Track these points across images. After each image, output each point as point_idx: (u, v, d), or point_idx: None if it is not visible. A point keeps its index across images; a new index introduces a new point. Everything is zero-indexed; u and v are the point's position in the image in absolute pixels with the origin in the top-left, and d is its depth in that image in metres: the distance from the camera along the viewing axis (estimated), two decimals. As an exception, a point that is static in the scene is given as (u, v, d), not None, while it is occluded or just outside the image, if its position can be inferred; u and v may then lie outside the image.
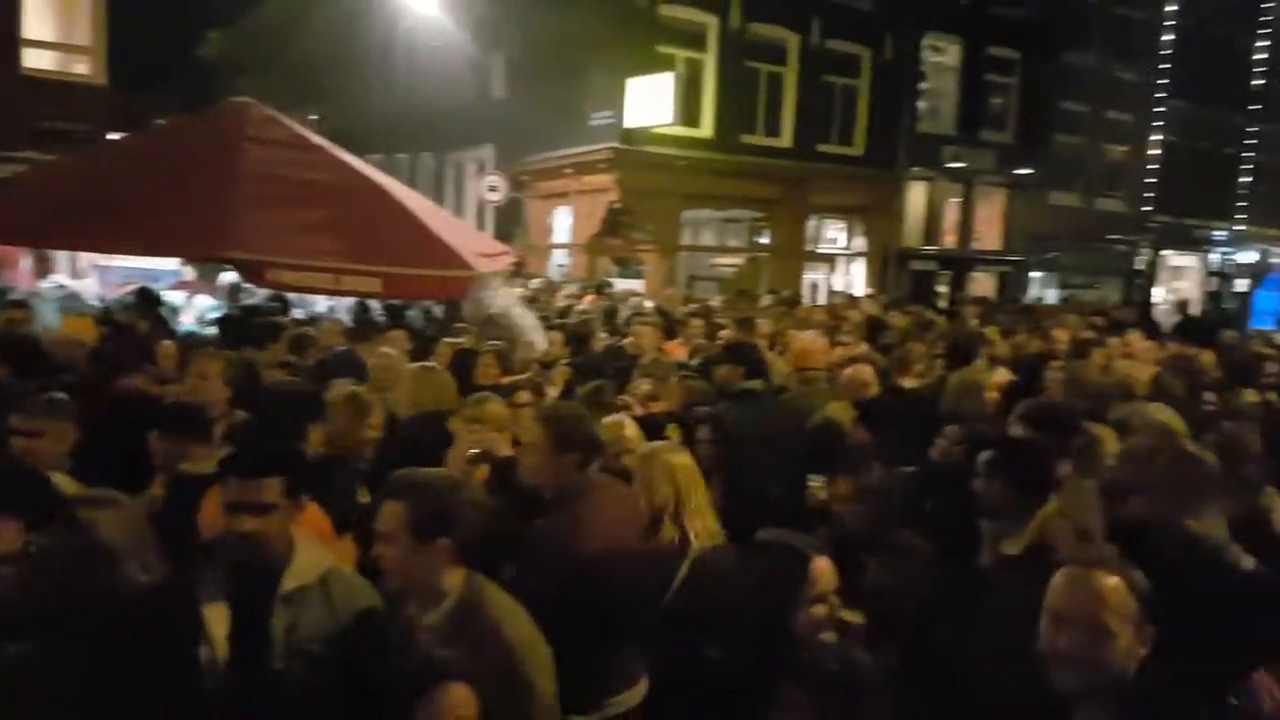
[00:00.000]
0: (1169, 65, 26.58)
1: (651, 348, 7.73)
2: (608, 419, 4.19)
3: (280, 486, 2.58)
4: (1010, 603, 3.03)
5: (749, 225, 21.73)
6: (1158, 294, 26.99)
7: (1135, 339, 9.38)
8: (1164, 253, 28.86)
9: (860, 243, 22.43)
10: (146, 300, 9.25)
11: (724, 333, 8.68)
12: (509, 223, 21.14)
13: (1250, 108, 29.01)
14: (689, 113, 18.53)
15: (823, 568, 2.49)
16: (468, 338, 7.50)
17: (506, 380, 5.87)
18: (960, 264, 23.31)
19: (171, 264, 11.56)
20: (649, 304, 11.69)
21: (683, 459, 3.78)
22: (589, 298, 12.30)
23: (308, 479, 2.79)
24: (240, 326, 7.91)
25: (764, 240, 21.40)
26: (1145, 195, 27.25)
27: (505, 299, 8.24)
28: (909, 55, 21.62)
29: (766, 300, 13.31)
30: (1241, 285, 30.12)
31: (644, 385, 5.75)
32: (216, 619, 2.53)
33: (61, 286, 10.46)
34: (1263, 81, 29.10)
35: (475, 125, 21.91)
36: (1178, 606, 2.19)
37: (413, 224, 7.29)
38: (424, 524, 2.42)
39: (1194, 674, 2.25)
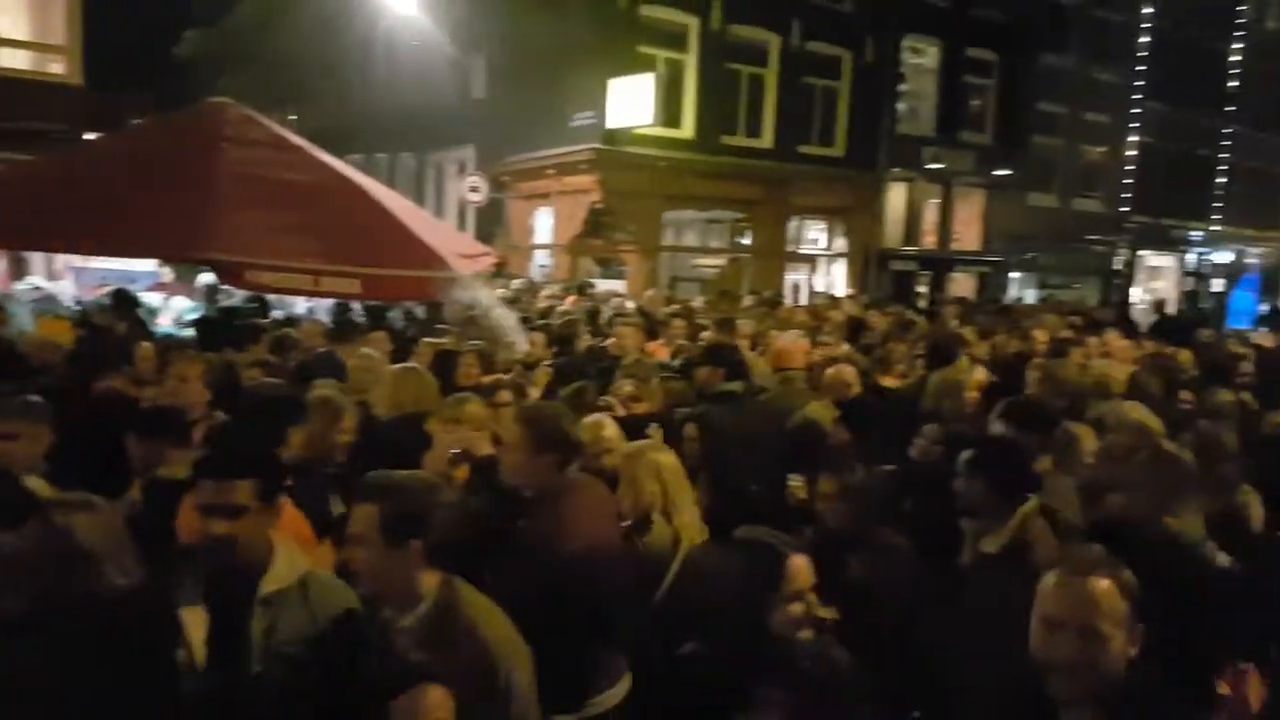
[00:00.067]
0: (1146, 67, 26.83)
1: (633, 348, 7.73)
2: (588, 419, 4.19)
3: (252, 489, 2.55)
4: (989, 601, 3.05)
5: (731, 226, 21.78)
6: (1135, 294, 27.23)
7: (1113, 338, 9.46)
8: (1141, 253, 29.12)
9: (841, 243, 22.52)
10: (124, 302, 9.16)
11: (706, 334, 8.69)
12: (490, 223, 21.11)
13: (1226, 109, 29.33)
14: (670, 114, 18.53)
15: (799, 565, 2.48)
16: (449, 339, 7.48)
17: (488, 380, 5.86)
18: (940, 264, 23.44)
19: (149, 265, 11.46)
20: (631, 305, 11.69)
21: (668, 458, 3.82)
22: (570, 298, 12.29)
23: (282, 482, 2.77)
24: (218, 328, 7.86)
25: (746, 241, 21.45)
26: (1122, 196, 27.50)
27: (486, 300, 8.22)
28: (889, 57, 21.73)
29: (748, 301, 13.34)
30: (1218, 285, 30.47)
31: (626, 386, 5.75)
32: (194, 622, 2.51)
33: (37, 288, 10.36)
34: (1238, 84, 29.44)
35: (456, 125, 21.86)
36: (1155, 604, 2.20)
37: (393, 225, 7.27)
38: (396, 526, 2.40)
39: (1178, 671, 2.26)
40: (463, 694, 2.19)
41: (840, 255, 22.51)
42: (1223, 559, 3.42)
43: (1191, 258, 30.85)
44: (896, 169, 22.30)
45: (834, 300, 14.78)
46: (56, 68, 13.09)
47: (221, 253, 6.38)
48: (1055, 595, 2.18)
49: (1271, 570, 3.54)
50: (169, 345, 6.62)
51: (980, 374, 6.66)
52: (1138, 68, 26.85)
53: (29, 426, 3.70)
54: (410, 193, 21.38)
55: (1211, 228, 30.29)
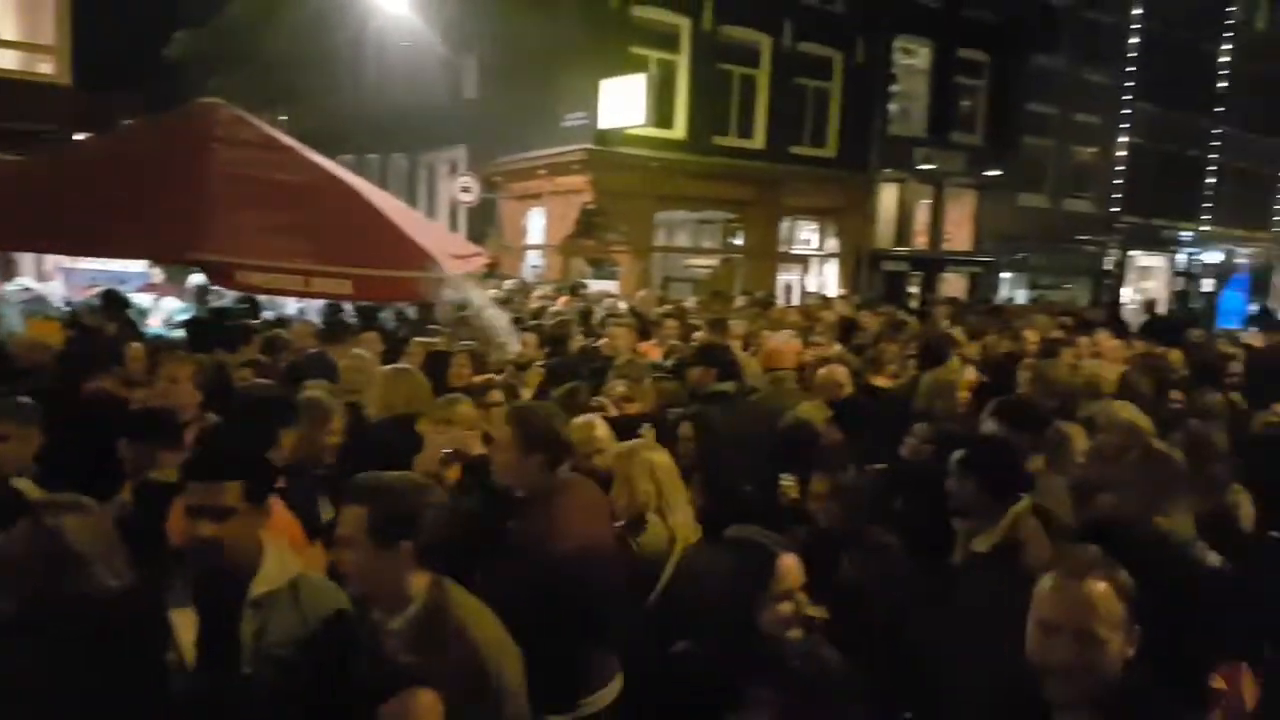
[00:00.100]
0: (1136, 69, 26.93)
1: (626, 349, 7.73)
2: (578, 420, 4.19)
3: (240, 490, 2.54)
4: (980, 600, 3.06)
5: (723, 226, 21.80)
6: (1126, 294, 27.34)
7: (1104, 338, 9.49)
8: (1131, 253, 29.24)
9: (833, 244, 22.55)
10: (114, 303, 9.13)
11: (698, 334, 8.69)
12: (482, 223, 21.08)
13: (1215, 110, 29.48)
14: (662, 114, 18.53)
15: (789, 564, 2.48)
16: (441, 339, 7.47)
17: (480, 380, 5.85)
18: (931, 265, 23.50)
19: (139, 266, 11.43)
20: (623, 305, 11.69)
21: (663, 457, 3.83)
22: (563, 299, 12.28)
23: (271, 483, 2.75)
24: (209, 329, 7.83)
25: (738, 241, 21.47)
26: (1113, 196, 27.59)
27: (478, 300, 8.21)
28: (880, 58, 21.77)
29: (740, 301, 13.35)
30: (1208, 285, 30.62)
31: (619, 387, 5.75)
32: (184, 624, 2.50)
33: (27, 289, 10.31)
34: (1227, 85, 29.58)
35: (447, 126, 21.83)
36: (1146, 604, 2.20)
37: (384, 225, 7.24)
38: (385, 527, 2.39)
39: (1169, 671, 2.26)
40: (453, 695, 2.19)
41: (832, 256, 22.54)
42: (1213, 559, 3.43)
43: (1181, 258, 30.99)
44: (888, 170, 22.34)
45: (826, 300, 14.79)
46: (46, 68, 13.03)
47: (212, 253, 6.35)
48: (1051, 598, 2.16)
49: (1262, 570, 3.55)
50: (159, 346, 6.60)
51: (970, 374, 6.68)
52: (1128, 69, 26.95)
53: (18, 428, 3.69)
54: (402, 193, 21.35)
55: (1201, 228, 30.43)
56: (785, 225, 21.89)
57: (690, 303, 12.87)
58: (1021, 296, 24.34)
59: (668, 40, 18.81)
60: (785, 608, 2.43)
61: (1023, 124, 24.71)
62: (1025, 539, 3.31)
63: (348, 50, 26.46)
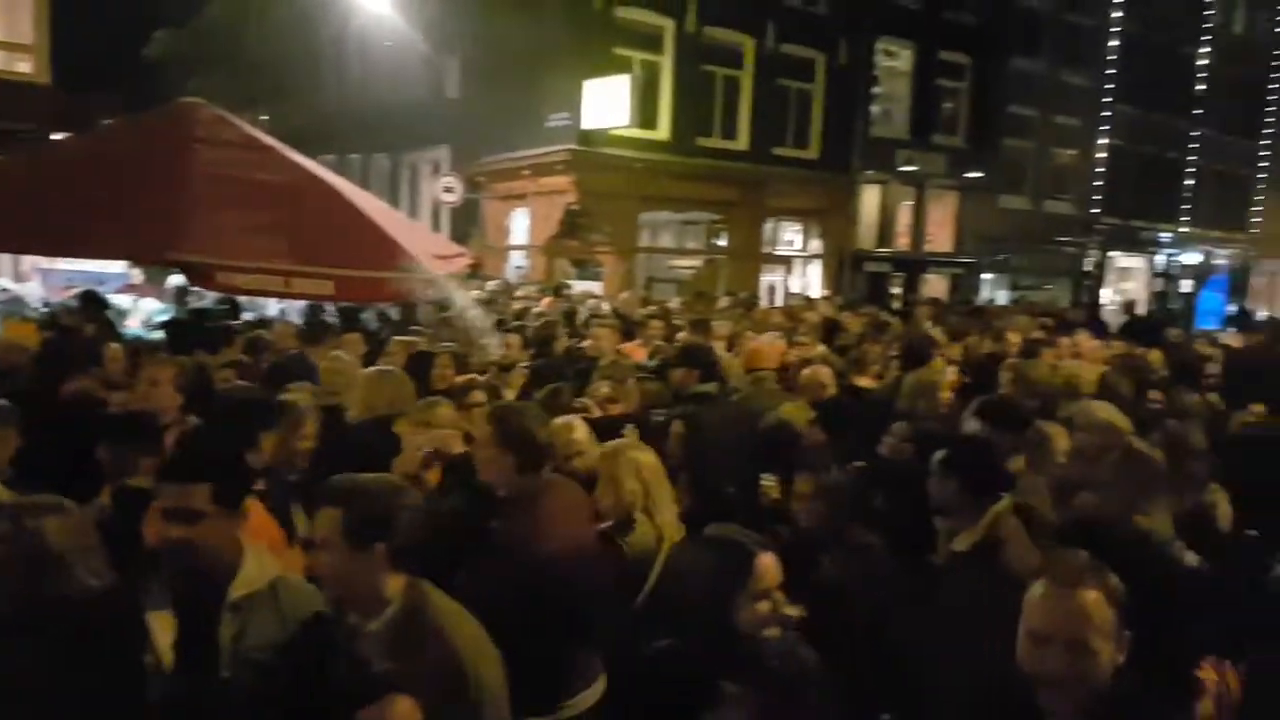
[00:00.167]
0: (1115, 71, 27.16)
1: (610, 349, 7.73)
2: (558, 421, 4.18)
3: (210, 493, 2.51)
4: (960, 599, 3.08)
5: (707, 227, 21.83)
6: (1106, 295, 27.53)
7: (1084, 339, 9.56)
8: (1111, 254, 29.47)
9: (816, 245, 22.63)
10: (92, 303, 9.04)
11: (682, 334, 8.70)
12: (465, 224, 21.03)
13: (1193, 112, 29.76)
14: (646, 115, 18.56)
15: (767, 563, 2.47)
16: (422, 339, 7.45)
17: (463, 380, 5.84)
18: (913, 266, 23.62)
19: (118, 267, 11.33)
20: (606, 306, 11.68)
21: (648, 456, 3.82)
22: (546, 300, 12.27)
23: (246, 487, 2.72)
24: (188, 330, 7.77)
25: (722, 242, 21.51)
26: (1093, 198, 27.82)
27: (461, 301, 8.19)
28: (863, 60, 21.86)
29: (724, 302, 13.37)
30: (1186, 286, 30.88)
31: (603, 388, 5.75)
32: (161, 627, 2.48)
33: (4, 290, 10.23)
34: (1205, 88, 29.87)
35: (430, 126, 21.76)
36: (1128, 604, 2.21)
37: (366, 225, 7.20)
38: (359, 530, 2.38)
39: (1149, 671, 2.26)
40: (431, 697, 2.18)
41: (815, 257, 22.62)
42: (1190, 558, 3.46)
43: (1160, 259, 31.26)
44: (870, 171, 22.45)
45: (809, 301, 14.83)
46: (24, 67, 12.93)
47: (192, 254, 6.30)
48: (1043, 608, 2.13)
49: (1239, 569, 3.58)
50: (139, 348, 6.54)
51: (951, 373, 6.71)
52: (1107, 72, 27.18)
53: (-6, 430, 3.65)
54: (384, 193, 21.27)
55: (1180, 229, 30.72)
56: (769, 226, 21.95)
57: (675, 304, 12.88)
58: (1003, 297, 24.49)
59: (651, 41, 18.83)
60: (763, 606, 2.43)
61: (1003, 126, 24.89)
62: (1005, 537, 3.33)
63: (329, 50, 26.36)
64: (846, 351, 8.22)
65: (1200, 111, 29.81)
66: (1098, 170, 27.71)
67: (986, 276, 26.19)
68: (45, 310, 9.66)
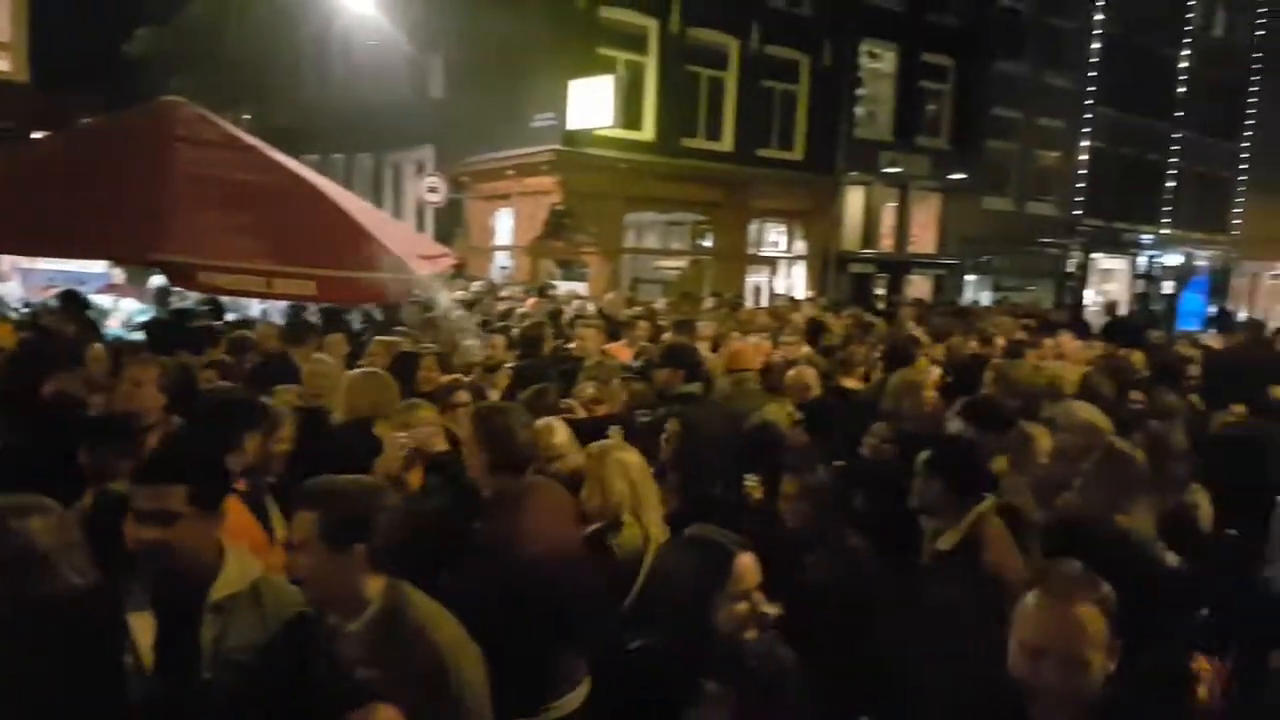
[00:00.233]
0: (1097, 73, 27.34)
1: (595, 350, 7.72)
2: (538, 423, 4.17)
3: (185, 495, 2.48)
4: (941, 598, 3.09)
5: (692, 228, 21.86)
6: (1088, 296, 27.71)
7: (1067, 340, 9.62)
8: (1093, 256, 29.66)
9: (800, 246, 22.69)
10: (73, 303, 8.96)
11: (667, 335, 8.70)
12: (449, 224, 20.96)
13: (1175, 115, 29.99)
14: (630, 116, 18.55)
15: (746, 564, 2.47)
16: (406, 340, 7.41)
17: (447, 380, 5.81)
18: (897, 267, 23.72)
19: (99, 267, 11.23)
20: (591, 307, 11.67)
21: (634, 456, 3.81)
22: (531, 300, 12.25)
23: (224, 488, 2.70)
24: (170, 330, 7.71)
25: (707, 243, 21.54)
26: (1075, 200, 27.99)
27: (444, 301, 8.16)
28: (847, 61, 21.93)
29: (709, 303, 13.39)
30: (1168, 287, 31.14)
31: (589, 389, 5.74)
32: (141, 628, 2.45)
33: (-17, 290, 10.12)
34: (1186, 90, 30.11)
35: (414, 125, 21.68)
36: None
37: (349, 225, 7.17)
38: (337, 531, 2.37)
39: (1141, 674, 2.26)
40: (413, 697, 2.17)
41: (800, 257, 22.68)
42: (1171, 558, 3.49)
43: (1142, 260, 31.50)
44: (854, 173, 22.53)
45: (794, 302, 14.87)
46: (3, 65, 12.82)
47: (174, 254, 6.25)
48: (1037, 620, 2.11)
49: (1220, 568, 3.61)
50: (121, 348, 6.49)
51: (935, 374, 6.73)
52: (1090, 74, 27.35)
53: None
54: (368, 193, 21.19)
55: (1161, 231, 30.96)
56: (753, 227, 22.00)
57: (660, 304, 12.89)
58: (986, 298, 24.61)
59: (636, 42, 18.83)
60: (742, 607, 2.43)
61: (986, 128, 25.02)
62: (988, 537, 3.35)
63: (312, 48, 26.22)
64: (832, 352, 8.25)
65: (1181, 114, 30.05)
66: (1080, 172, 27.88)
67: (970, 278, 26.32)
68: (26, 310, 9.56)
